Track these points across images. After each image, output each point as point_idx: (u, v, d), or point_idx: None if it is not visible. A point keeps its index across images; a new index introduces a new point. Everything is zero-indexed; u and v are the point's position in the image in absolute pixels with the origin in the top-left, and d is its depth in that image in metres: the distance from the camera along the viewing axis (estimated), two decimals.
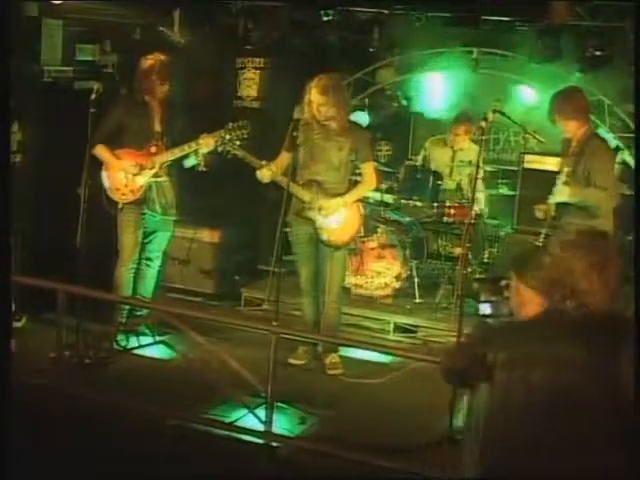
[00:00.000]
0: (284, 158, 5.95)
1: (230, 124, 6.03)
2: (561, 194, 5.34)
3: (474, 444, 3.17)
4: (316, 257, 6.08)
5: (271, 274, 6.69)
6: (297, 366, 6.15)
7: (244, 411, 5.18)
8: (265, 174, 5.89)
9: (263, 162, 5.91)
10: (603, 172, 5.39)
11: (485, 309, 3.63)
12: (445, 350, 3.44)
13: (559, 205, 5.62)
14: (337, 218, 5.97)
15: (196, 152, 6.18)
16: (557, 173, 5.77)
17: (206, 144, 6.11)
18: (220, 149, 5.99)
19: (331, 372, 6.09)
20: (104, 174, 6.30)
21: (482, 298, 4.55)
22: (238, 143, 5.97)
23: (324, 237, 5.99)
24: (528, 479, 2.92)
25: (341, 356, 6.17)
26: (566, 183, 5.35)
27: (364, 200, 6.58)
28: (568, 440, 2.90)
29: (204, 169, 6.24)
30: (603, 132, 7.55)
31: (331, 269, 6.01)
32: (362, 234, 7.03)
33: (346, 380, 5.98)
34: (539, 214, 5.80)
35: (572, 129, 5.52)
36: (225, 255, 7.70)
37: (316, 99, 5.78)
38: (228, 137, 5.99)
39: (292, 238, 6.11)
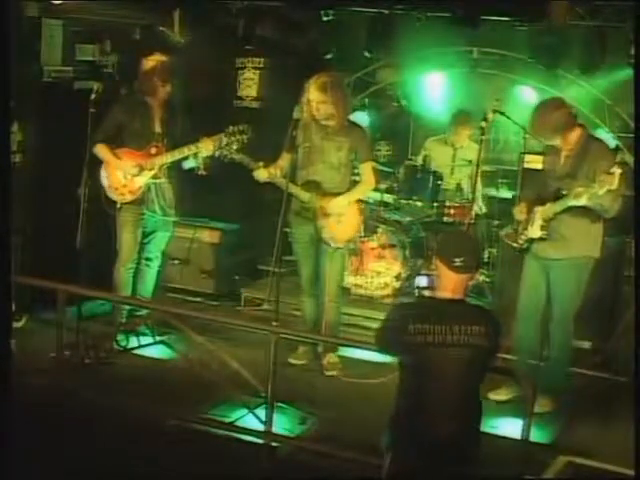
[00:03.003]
0: (285, 159, 5.94)
1: (230, 128, 6.01)
2: (578, 198, 5.24)
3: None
4: (316, 257, 6.08)
5: (271, 274, 6.69)
6: (297, 366, 6.15)
7: (244, 411, 5.18)
8: (262, 174, 5.89)
9: (260, 163, 5.90)
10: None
11: (421, 281, 3.93)
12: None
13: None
14: (337, 217, 5.96)
15: (196, 155, 6.19)
16: (547, 175, 5.63)
17: (206, 147, 6.11)
18: (217, 153, 5.98)
19: (329, 373, 6.07)
20: (103, 173, 6.31)
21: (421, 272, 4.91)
22: (235, 147, 5.95)
23: (324, 237, 5.98)
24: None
25: (341, 356, 6.16)
26: (582, 186, 5.26)
27: (364, 200, 6.56)
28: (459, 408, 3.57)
29: (203, 172, 6.25)
30: (602, 132, 7.56)
31: (331, 269, 6.00)
32: (362, 234, 7.02)
33: (346, 380, 5.97)
34: (520, 216, 5.67)
35: (569, 138, 5.40)
36: (225, 255, 7.70)
37: (315, 97, 5.75)
38: (227, 141, 5.98)
39: (292, 238, 6.12)
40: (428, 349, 3.55)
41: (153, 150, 6.26)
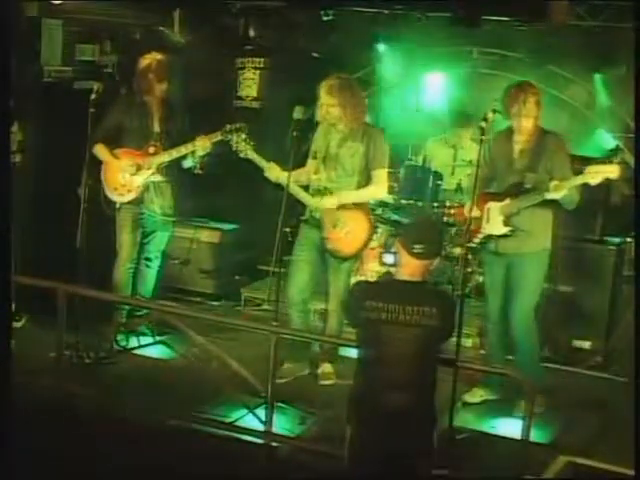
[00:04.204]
0: (311, 165, 5.90)
1: (227, 126, 6.00)
2: (558, 191, 5.23)
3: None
4: (316, 266, 5.96)
5: (271, 274, 6.69)
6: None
7: (244, 411, 5.18)
8: (273, 174, 5.81)
9: (271, 163, 5.84)
10: (567, 167, 5.34)
11: (388, 259, 4.06)
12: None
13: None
14: (343, 229, 5.80)
15: (193, 154, 6.18)
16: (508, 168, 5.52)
17: (202, 146, 6.10)
18: (235, 150, 5.93)
19: (323, 382, 5.95)
20: (102, 174, 6.31)
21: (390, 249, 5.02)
22: (252, 144, 5.90)
23: (329, 248, 5.85)
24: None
25: (341, 356, 6.13)
26: (558, 179, 5.25)
27: (372, 209, 6.42)
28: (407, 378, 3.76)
29: (200, 171, 6.24)
30: (602, 132, 7.56)
31: (336, 279, 5.89)
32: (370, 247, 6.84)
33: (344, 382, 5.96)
34: (476, 213, 5.50)
35: (529, 125, 5.37)
36: (225, 255, 7.70)
37: (324, 100, 5.70)
38: (224, 139, 5.96)
39: (297, 244, 5.97)
40: (381, 325, 3.77)
41: (151, 149, 6.26)
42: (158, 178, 6.32)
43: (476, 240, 5.58)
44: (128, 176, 6.26)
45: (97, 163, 6.27)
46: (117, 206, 6.33)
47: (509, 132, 5.52)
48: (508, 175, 5.50)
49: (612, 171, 5.10)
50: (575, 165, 5.55)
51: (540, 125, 5.46)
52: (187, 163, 6.29)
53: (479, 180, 5.69)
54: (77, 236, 5.90)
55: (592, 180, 5.14)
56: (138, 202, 6.33)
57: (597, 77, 7.60)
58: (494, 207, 5.49)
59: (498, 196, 5.51)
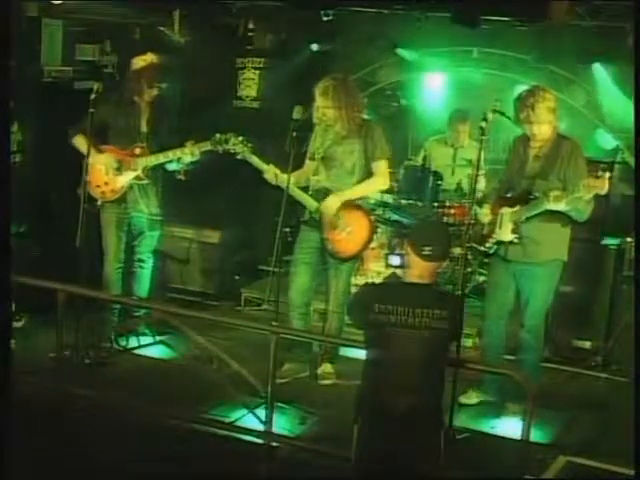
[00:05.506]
0: (309, 166, 5.91)
1: (217, 136, 5.91)
2: (557, 202, 5.15)
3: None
4: (316, 267, 5.96)
5: (271, 274, 6.68)
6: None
7: (244, 411, 5.18)
8: (272, 177, 5.79)
9: (270, 165, 5.84)
10: (581, 175, 5.21)
11: (393, 260, 4.10)
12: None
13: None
14: (344, 230, 5.81)
15: (179, 160, 6.13)
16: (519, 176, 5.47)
17: (190, 153, 6.05)
18: (232, 151, 5.92)
19: (323, 382, 5.96)
20: (87, 170, 6.16)
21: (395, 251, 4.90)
22: (250, 146, 5.86)
23: (329, 249, 5.85)
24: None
25: (341, 356, 6.14)
26: (560, 189, 5.19)
27: (374, 212, 6.41)
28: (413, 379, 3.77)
29: (182, 177, 6.21)
30: (601, 132, 7.55)
31: (337, 280, 5.90)
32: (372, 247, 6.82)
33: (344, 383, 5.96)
34: (485, 218, 5.57)
35: (541, 131, 5.32)
36: (225, 255, 7.70)
37: (319, 102, 5.70)
38: (212, 148, 5.93)
39: (297, 246, 5.99)
40: (390, 328, 3.78)
41: (137, 150, 6.20)
42: (142, 181, 6.25)
43: (488, 245, 5.55)
44: (111, 175, 6.20)
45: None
46: (99, 204, 6.25)
47: (526, 137, 5.47)
48: (521, 181, 5.45)
49: (602, 187, 4.99)
50: None
51: (556, 131, 5.39)
52: (172, 166, 6.22)
53: (501, 184, 5.67)
54: (77, 236, 5.90)
55: (585, 195, 5.04)
56: (121, 201, 6.28)
57: (597, 77, 7.61)
58: (506, 213, 5.44)
59: (511, 202, 5.46)
